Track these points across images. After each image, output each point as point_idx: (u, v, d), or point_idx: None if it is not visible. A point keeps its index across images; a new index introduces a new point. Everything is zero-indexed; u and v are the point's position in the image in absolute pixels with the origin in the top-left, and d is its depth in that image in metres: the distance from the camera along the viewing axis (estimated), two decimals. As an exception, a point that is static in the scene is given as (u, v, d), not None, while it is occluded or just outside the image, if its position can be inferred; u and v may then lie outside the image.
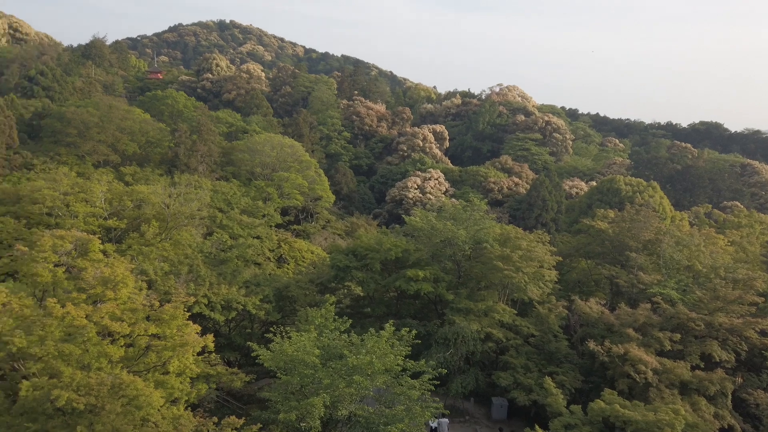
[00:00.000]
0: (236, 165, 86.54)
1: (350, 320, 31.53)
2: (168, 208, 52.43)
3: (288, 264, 60.62)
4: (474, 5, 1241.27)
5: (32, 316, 22.31)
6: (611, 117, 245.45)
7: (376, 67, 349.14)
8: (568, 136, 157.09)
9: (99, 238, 31.80)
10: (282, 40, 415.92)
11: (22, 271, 26.70)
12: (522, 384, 36.49)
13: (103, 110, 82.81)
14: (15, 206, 50.16)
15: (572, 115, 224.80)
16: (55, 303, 21.97)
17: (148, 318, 24.26)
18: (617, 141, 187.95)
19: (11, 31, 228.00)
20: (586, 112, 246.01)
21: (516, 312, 41.19)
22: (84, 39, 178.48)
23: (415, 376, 27.96)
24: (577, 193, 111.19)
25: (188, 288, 35.25)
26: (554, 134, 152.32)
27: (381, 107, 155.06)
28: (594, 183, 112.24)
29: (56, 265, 26.68)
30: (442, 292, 40.77)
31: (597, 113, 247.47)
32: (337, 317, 31.43)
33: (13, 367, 22.53)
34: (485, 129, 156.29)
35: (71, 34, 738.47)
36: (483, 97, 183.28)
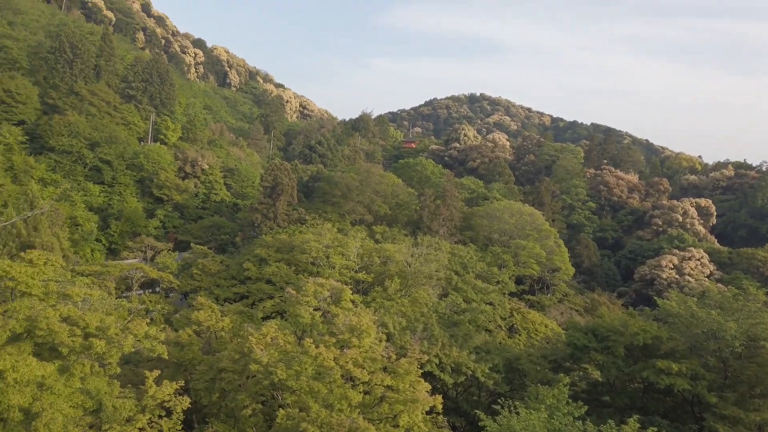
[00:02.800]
0: (474, 230, 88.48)
1: (586, 407, 28.76)
2: (410, 266, 55.86)
3: (519, 335, 58.74)
4: (739, 68, 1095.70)
5: (292, 352, 25.41)
6: None
7: (630, 135, 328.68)
8: None
9: (350, 288, 35.25)
10: (529, 110, 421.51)
11: (289, 311, 30.78)
12: None
13: (363, 175, 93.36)
14: (288, 254, 58.91)
15: None
16: (310, 343, 24.70)
17: (384, 369, 25.60)
18: None
19: (300, 108, 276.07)
20: None
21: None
22: (355, 113, 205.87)
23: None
24: None
25: (422, 346, 36.39)
26: None
27: (633, 177, 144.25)
28: None
29: (315, 309, 30.15)
30: (702, 393, 34.65)
31: None
32: (570, 401, 29.00)
33: (273, 395, 25.74)
34: (765, 206, 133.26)
35: (347, 108, 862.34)
36: (764, 168, 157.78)
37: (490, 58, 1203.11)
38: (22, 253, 21.89)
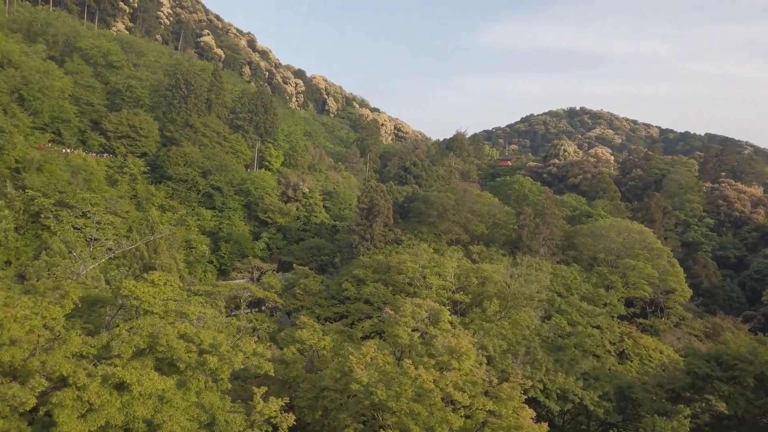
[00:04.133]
0: (578, 249, 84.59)
1: (711, 443, 26.22)
2: (509, 287, 54.31)
3: (631, 361, 54.94)
4: None
5: (392, 372, 25.40)
6: None
7: (751, 145, 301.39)
8: None
9: (448, 309, 34.82)
10: (634, 122, 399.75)
11: (387, 332, 30.91)
12: None
13: (459, 194, 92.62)
14: (385, 275, 59.43)
15: None
16: (410, 364, 24.58)
17: (486, 393, 24.89)
18: None
19: (395, 131, 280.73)
20: None
21: None
22: (448, 133, 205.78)
23: None
24: None
25: (524, 370, 35.06)
26: None
27: (757, 190, 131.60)
28: None
29: (413, 330, 30.05)
30: None
31: None
32: (693, 435, 26.56)
33: (374, 416, 25.81)
34: None
35: (441, 129, 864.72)
36: None
37: (589, 71, 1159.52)
38: (145, 274, 23.75)
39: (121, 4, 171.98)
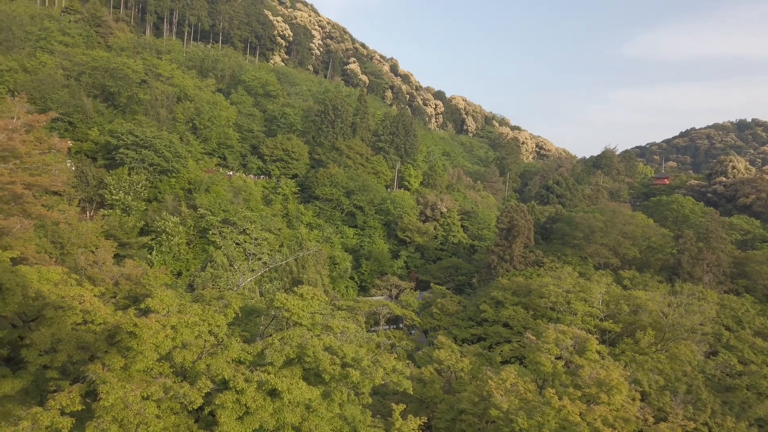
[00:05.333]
0: (750, 278, 74.79)
1: None
2: (666, 317, 49.45)
3: (822, 411, 46.90)
4: None
5: (533, 401, 24.27)
6: None
7: None
8: None
9: (595, 338, 32.56)
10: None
11: (528, 358, 29.66)
12: None
13: (607, 215, 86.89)
14: (525, 298, 57.36)
15: None
16: (553, 394, 23.30)
17: (640, 433, 22.76)
18: None
19: (537, 149, 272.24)
20: None
21: None
22: (594, 150, 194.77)
23: None
24: None
25: (686, 410, 31.54)
26: None
27: None
28: None
29: (557, 358, 28.52)
30: None
31: None
32: None
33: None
34: None
35: (586, 146, 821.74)
36: None
37: (760, 78, 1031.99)
38: (294, 288, 25.33)
39: (279, 39, 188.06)
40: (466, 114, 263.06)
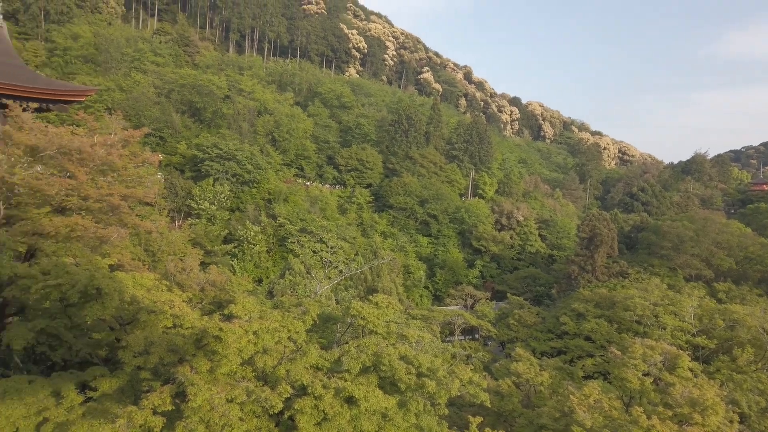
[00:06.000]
0: None
1: None
2: (767, 333, 45.62)
3: None
4: None
5: (619, 419, 23.04)
6: None
7: None
8: None
9: (687, 354, 30.52)
10: None
11: (613, 373, 28.23)
12: None
13: (698, 224, 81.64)
14: (609, 311, 54.77)
15: None
16: (641, 412, 22.02)
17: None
18: None
19: (620, 154, 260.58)
20: None
21: None
22: (683, 155, 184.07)
23: None
24: None
25: (793, 437, 28.89)
26: None
27: None
28: None
29: (644, 374, 26.97)
30: None
31: None
32: None
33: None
34: None
35: (672, 150, 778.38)
36: None
37: None
38: (370, 296, 25.52)
39: (353, 51, 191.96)
40: (543, 120, 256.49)
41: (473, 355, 51.82)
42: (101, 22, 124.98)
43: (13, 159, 21.61)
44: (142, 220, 29.60)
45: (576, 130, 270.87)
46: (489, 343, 67.17)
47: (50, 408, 14.26)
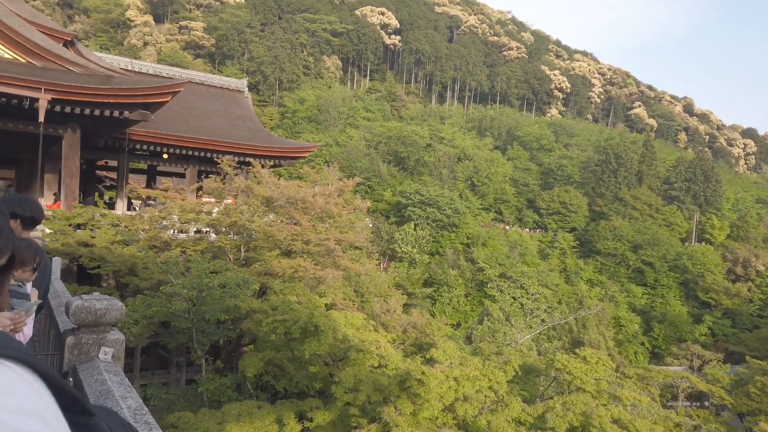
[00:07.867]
0: None
1: None
2: None
3: None
4: None
5: None
6: None
7: None
8: None
9: None
10: None
11: None
12: None
13: None
14: None
15: None
16: None
17: None
18: None
19: None
20: None
21: None
22: None
23: None
24: None
25: None
26: None
27: None
28: None
29: None
30: None
31: None
32: None
33: None
34: None
35: None
36: None
37: None
38: (576, 350, 23.82)
39: (555, 92, 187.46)
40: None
41: (703, 426, 44.74)
42: (323, 85, 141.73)
43: (252, 209, 25.27)
44: (353, 263, 31.99)
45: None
46: (723, 413, 57.40)
47: (274, 433, 15.83)
